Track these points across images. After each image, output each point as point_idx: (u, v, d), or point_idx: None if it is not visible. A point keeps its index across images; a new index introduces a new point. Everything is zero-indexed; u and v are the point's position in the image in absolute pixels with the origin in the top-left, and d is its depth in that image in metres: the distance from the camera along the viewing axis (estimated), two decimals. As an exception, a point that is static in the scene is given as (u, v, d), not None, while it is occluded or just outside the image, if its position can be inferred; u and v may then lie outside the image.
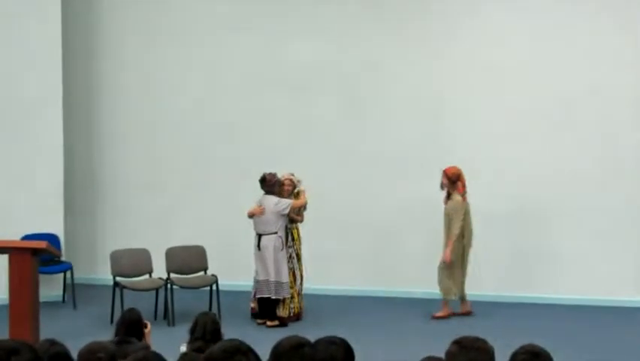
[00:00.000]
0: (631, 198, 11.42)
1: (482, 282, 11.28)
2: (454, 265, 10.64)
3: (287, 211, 10.36)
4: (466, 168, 10.72)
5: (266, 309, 10.44)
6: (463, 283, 10.77)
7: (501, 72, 11.64)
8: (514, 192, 11.58)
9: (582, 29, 11.45)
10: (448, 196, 10.65)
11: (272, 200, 10.38)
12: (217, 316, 6.52)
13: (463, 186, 10.55)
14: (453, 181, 10.52)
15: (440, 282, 10.73)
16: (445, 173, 10.57)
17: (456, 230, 10.50)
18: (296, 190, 10.66)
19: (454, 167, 10.57)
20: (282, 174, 10.59)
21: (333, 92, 12.03)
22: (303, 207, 10.65)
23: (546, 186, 11.53)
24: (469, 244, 10.74)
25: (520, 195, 11.60)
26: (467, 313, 10.86)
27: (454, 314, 10.80)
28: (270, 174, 10.42)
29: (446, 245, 10.58)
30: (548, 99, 11.54)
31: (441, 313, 10.77)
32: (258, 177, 10.45)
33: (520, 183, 11.58)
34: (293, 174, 10.67)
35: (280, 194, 10.44)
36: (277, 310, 10.44)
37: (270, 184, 10.40)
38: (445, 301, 10.79)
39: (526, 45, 11.59)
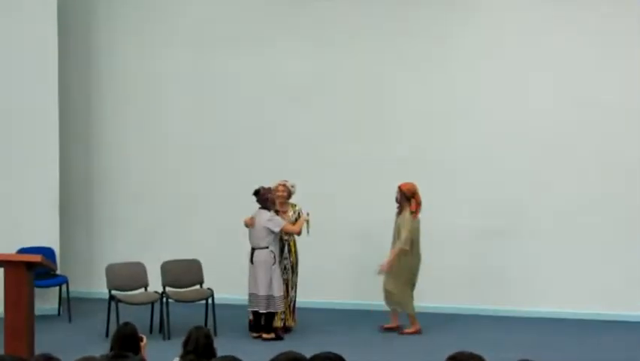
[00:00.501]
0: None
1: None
2: (405, 280, 10.63)
3: (276, 231, 10.35)
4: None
5: (259, 322, 10.43)
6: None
7: (496, 85, 11.72)
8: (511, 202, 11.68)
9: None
10: (400, 211, 10.64)
11: (265, 215, 10.38)
12: (210, 330, 6.52)
13: (418, 204, 10.54)
14: (407, 197, 10.54)
15: (393, 297, 10.73)
16: (400, 188, 10.60)
17: (404, 244, 10.46)
18: (296, 210, 10.63)
19: (409, 183, 10.59)
20: (276, 181, 10.61)
21: (331, 103, 12.08)
22: (298, 233, 10.59)
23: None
24: (418, 261, 10.71)
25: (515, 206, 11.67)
26: (396, 328, 10.84)
27: (397, 328, 10.82)
28: (264, 188, 10.42)
29: (390, 255, 10.55)
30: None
31: (410, 329, 10.75)
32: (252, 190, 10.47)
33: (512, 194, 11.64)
34: (287, 181, 10.66)
35: (274, 204, 10.42)
36: (274, 323, 10.44)
37: (263, 198, 10.39)
38: (410, 317, 10.77)
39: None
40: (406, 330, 10.76)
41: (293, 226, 10.52)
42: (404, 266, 10.60)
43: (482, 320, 11.43)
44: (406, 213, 10.54)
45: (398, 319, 10.88)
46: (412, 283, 10.70)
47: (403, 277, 10.64)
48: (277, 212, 10.49)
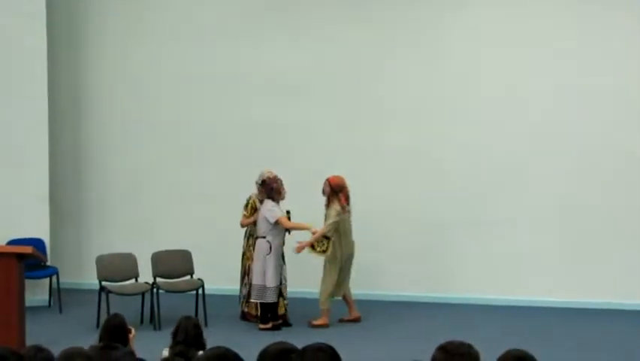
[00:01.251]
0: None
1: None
2: (326, 270, 10.60)
3: (271, 221, 10.33)
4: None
5: (260, 312, 10.49)
6: (336, 288, 10.63)
7: (494, 75, 11.77)
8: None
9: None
10: (328, 204, 10.55)
11: (267, 205, 10.37)
12: (201, 321, 6.54)
13: (346, 198, 10.49)
14: (335, 191, 10.46)
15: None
16: (329, 182, 10.51)
17: (326, 230, 10.35)
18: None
19: (338, 177, 10.51)
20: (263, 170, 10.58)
21: (329, 97, 12.08)
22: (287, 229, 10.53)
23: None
24: (349, 254, 10.65)
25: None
26: (356, 319, 10.83)
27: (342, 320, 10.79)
28: (270, 177, 10.39)
29: (311, 238, 10.44)
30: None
31: (318, 321, 10.65)
32: (256, 178, 10.48)
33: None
34: (271, 171, 10.51)
35: (278, 193, 10.39)
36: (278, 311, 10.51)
37: (268, 188, 10.38)
38: (322, 309, 10.69)
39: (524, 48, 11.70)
40: (314, 322, 10.65)
41: (287, 221, 10.43)
42: (331, 258, 10.53)
43: (469, 309, 11.51)
44: (334, 206, 10.42)
45: (355, 309, 10.82)
46: (336, 275, 10.57)
47: (327, 268, 10.60)
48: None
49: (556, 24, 11.59)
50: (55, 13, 12.08)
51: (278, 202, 10.42)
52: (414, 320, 10.99)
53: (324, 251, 10.43)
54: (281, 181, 10.44)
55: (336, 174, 10.58)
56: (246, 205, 10.66)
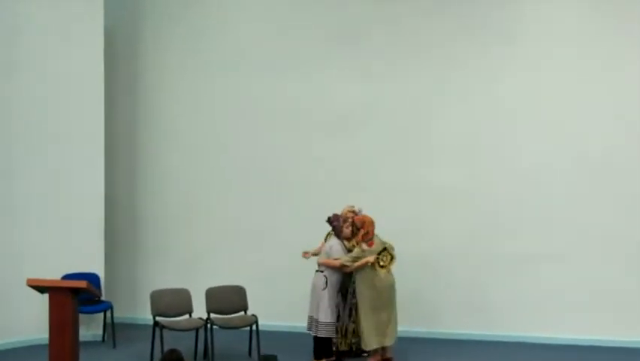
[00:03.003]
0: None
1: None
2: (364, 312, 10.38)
3: (320, 259, 10.35)
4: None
5: (314, 346, 10.41)
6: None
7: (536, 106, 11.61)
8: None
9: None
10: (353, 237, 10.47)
11: (330, 241, 10.43)
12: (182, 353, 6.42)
13: (364, 235, 10.28)
14: (357, 228, 10.38)
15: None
16: (353, 221, 10.41)
17: (344, 261, 10.19)
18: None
19: (364, 216, 10.41)
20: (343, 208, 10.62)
21: (374, 128, 12.02)
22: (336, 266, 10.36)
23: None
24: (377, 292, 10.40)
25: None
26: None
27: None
28: (335, 215, 10.46)
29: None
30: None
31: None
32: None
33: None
34: (353, 206, 10.59)
35: (341, 232, 10.38)
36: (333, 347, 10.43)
37: (332, 225, 10.46)
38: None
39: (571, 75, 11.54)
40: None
41: (330, 260, 10.31)
42: (361, 298, 10.37)
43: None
44: (362, 244, 10.35)
45: (389, 351, 10.55)
46: (371, 314, 10.34)
47: (361, 309, 10.39)
48: (349, 240, 10.46)
49: (610, 55, 11.39)
50: (113, 46, 12.22)
51: (342, 240, 10.43)
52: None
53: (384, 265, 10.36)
54: (349, 220, 10.40)
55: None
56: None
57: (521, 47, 11.60)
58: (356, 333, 10.53)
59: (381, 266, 10.32)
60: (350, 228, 10.42)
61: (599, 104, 11.41)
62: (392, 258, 10.38)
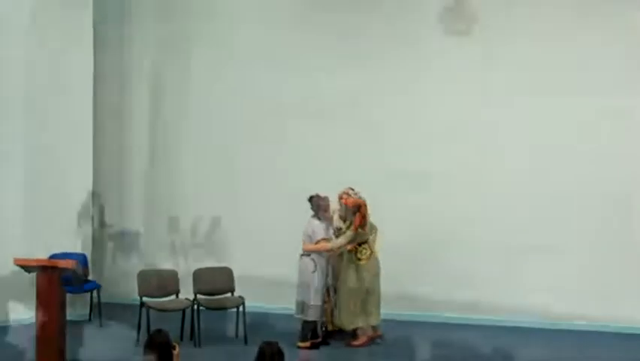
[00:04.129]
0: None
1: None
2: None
3: (313, 241, 10.32)
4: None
5: (301, 329, 10.43)
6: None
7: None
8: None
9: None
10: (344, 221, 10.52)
11: (312, 224, 10.38)
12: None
13: (362, 217, 10.32)
14: (352, 212, 10.37)
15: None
16: (346, 204, 10.43)
17: (334, 245, 10.30)
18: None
19: (355, 198, 10.40)
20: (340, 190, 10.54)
21: (358, 117, 12.06)
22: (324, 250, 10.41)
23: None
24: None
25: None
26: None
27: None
28: (317, 197, 10.38)
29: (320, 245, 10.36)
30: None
31: (357, 341, 10.57)
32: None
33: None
34: (352, 189, 10.49)
35: (325, 211, 10.39)
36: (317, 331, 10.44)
37: (312, 206, 10.40)
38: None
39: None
40: (354, 342, 10.56)
41: (320, 246, 10.32)
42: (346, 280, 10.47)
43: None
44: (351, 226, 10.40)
45: (378, 328, 10.69)
46: (356, 296, 10.46)
47: (345, 291, 10.50)
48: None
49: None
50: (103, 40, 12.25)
51: (324, 221, 10.40)
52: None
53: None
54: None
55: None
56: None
57: (510, 36, 11.64)
58: (332, 313, 10.56)
59: (359, 259, 10.35)
60: (336, 214, 10.39)
61: (588, 93, 11.45)
62: (371, 253, 10.41)
